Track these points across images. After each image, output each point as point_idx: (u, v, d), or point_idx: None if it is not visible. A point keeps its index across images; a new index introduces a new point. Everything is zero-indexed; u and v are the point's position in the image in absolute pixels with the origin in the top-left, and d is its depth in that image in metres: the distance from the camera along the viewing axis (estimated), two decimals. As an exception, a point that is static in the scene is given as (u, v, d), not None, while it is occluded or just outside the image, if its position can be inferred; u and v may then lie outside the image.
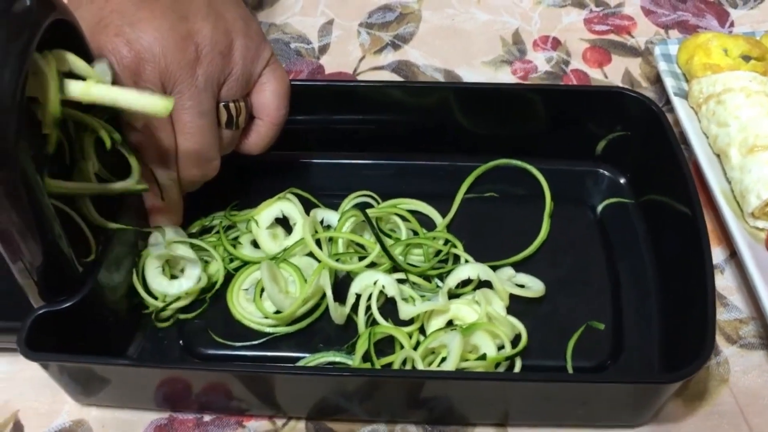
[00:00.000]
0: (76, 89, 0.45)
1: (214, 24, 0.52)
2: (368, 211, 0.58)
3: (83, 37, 0.46)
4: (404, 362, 0.52)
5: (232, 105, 0.54)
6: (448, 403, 0.50)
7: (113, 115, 0.49)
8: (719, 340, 0.56)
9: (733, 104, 0.62)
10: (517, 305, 0.56)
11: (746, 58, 0.66)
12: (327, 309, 0.56)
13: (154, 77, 0.50)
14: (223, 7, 0.54)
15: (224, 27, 0.53)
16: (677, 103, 0.66)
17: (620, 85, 0.73)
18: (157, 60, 0.50)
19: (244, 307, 0.56)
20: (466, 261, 0.58)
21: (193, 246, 0.57)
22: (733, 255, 0.61)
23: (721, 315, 0.58)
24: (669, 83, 0.68)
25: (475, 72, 0.74)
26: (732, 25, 0.78)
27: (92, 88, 0.45)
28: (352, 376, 0.49)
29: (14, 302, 0.49)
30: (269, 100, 0.57)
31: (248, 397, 0.50)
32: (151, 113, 0.46)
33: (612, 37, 0.78)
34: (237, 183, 0.62)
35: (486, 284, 0.56)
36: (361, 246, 0.58)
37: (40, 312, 0.48)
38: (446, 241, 0.59)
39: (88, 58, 0.46)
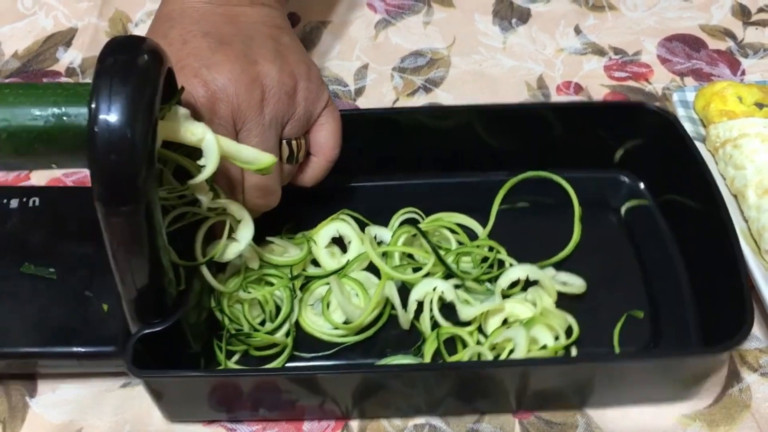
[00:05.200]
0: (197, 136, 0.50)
1: (280, 67, 0.56)
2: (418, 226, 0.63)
3: (176, 82, 0.50)
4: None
5: (293, 142, 0.59)
6: (525, 391, 0.55)
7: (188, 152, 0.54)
8: (741, 368, 0.59)
9: (749, 148, 0.66)
10: (561, 302, 0.61)
11: (759, 106, 0.70)
12: (389, 318, 0.61)
13: (227, 115, 0.55)
14: (288, 51, 0.58)
15: (289, 70, 0.57)
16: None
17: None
18: (231, 100, 0.54)
19: (313, 320, 0.61)
20: (511, 264, 0.63)
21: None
22: (751, 289, 0.63)
23: (743, 345, 0.60)
24: (687, 128, 0.70)
25: (502, 114, 0.78)
26: (743, 73, 0.81)
27: (222, 141, 0.50)
28: (452, 368, 0.55)
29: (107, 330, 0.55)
30: (326, 140, 0.61)
31: (344, 399, 0.55)
32: (260, 168, 0.52)
33: (631, 83, 0.81)
34: (287, 208, 0.65)
35: (532, 284, 0.61)
36: (412, 257, 0.63)
37: (143, 333, 0.52)
38: (491, 248, 0.64)
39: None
